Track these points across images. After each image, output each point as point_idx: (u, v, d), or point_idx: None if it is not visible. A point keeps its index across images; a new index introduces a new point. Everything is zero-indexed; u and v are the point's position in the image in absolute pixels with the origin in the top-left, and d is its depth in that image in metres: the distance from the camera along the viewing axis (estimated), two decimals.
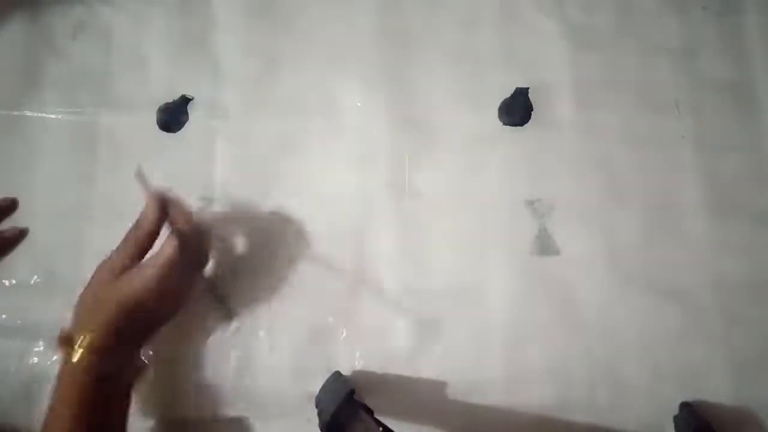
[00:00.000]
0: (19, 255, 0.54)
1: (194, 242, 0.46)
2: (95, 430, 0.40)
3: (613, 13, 0.59)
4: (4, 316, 0.52)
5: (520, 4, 0.60)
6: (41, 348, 0.51)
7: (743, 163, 0.55)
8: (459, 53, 0.58)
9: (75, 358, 0.40)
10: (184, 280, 0.46)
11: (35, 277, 0.53)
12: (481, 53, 0.58)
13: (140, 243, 0.44)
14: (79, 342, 0.40)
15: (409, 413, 0.49)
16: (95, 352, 0.40)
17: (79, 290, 0.52)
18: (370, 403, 0.44)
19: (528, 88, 0.57)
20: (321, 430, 0.44)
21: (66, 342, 0.41)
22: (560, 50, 0.58)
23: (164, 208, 0.44)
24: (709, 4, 0.59)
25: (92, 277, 0.44)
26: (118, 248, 0.44)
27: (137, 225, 0.44)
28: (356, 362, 0.51)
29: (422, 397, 0.50)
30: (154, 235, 0.44)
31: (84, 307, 0.43)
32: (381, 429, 0.42)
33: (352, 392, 0.45)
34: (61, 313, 0.51)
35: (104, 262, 0.44)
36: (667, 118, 0.56)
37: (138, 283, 0.42)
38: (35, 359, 0.51)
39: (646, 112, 0.56)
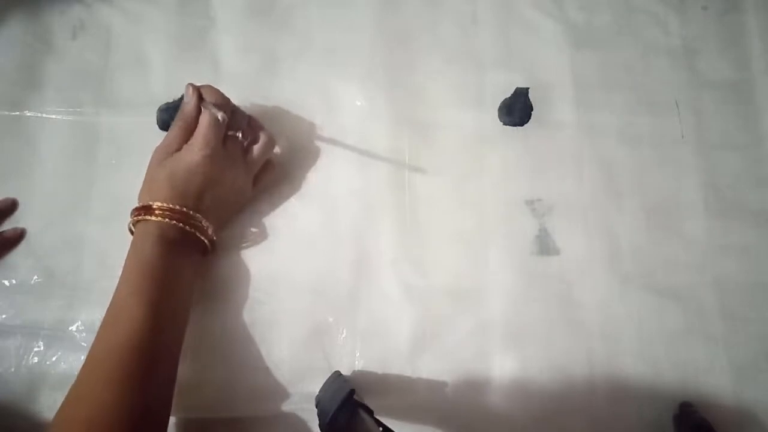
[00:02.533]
0: (19, 255, 0.54)
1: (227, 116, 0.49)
2: (163, 291, 0.44)
3: (613, 12, 0.59)
4: (4, 316, 0.52)
5: (520, 4, 0.60)
6: (41, 348, 0.51)
7: (743, 162, 0.55)
8: (459, 53, 0.59)
9: (154, 218, 0.45)
10: (230, 153, 0.49)
11: (35, 277, 0.53)
12: (481, 53, 0.59)
13: (185, 126, 0.48)
14: (156, 206, 0.45)
15: (409, 413, 0.49)
16: (168, 214, 0.45)
17: (79, 290, 0.53)
18: (370, 403, 0.44)
19: (528, 88, 0.57)
20: (321, 430, 0.44)
21: (144, 209, 0.46)
22: (560, 50, 0.58)
23: (200, 93, 0.49)
24: (709, 4, 0.59)
25: (150, 162, 0.48)
26: (167, 135, 0.49)
27: (180, 111, 0.49)
28: (356, 362, 0.51)
29: (422, 397, 0.50)
30: (196, 117, 0.48)
31: (145, 187, 0.48)
32: (381, 429, 0.42)
33: (352, 392, 0.45)
34: (61, 313, 0.52)
35: (158, 146, 0.49)
36: (666, 118, 0.56)
37: (184, 155, 0.47)
38: (35, 359, 0.51)
39: (646, 112, 0.57)
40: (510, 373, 0.50)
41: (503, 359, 0.51)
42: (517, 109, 0.56)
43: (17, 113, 0.57)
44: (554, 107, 0.57)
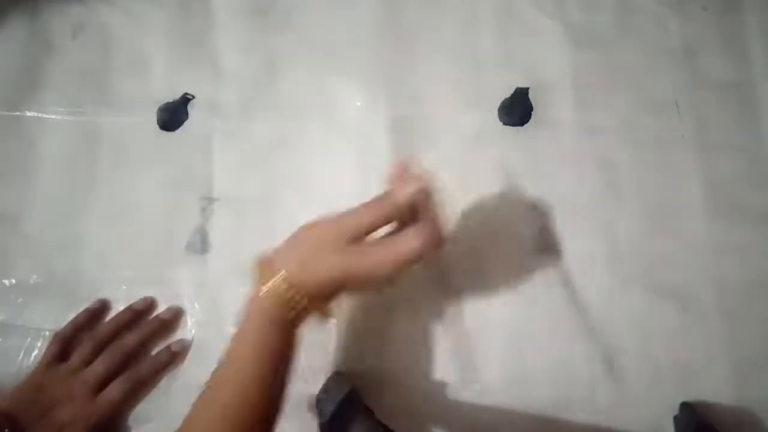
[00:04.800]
0: (19, 255, 0.54)
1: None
2: (272, 363, 0.39)
3: (613, 13, 0.59)
4: (4, 316, 0.52)
5: (520, 4, 0.60)
6: (41, 348, 0.51)
7: (743, 163, 0.55)
8: (459, 53, 0.58)
9: (268, 288, 0.39)
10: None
11: (35, 277, 0.53)
12: (481, 53, 0.58)
13: (388, 214, 0.40)
14: (281, 274, 0.39)
15: (409, 413, 0.49)
16: (294, 290, 0.38)
17: (79, 290, 0.53)
18: (370, 403, 0.44)
19: (528, 88, 0.57)
20: (321, 430, 0.44)
21: (267, 271, 0.39)
22: (560, 50, 0.58)
23: (425, 194, 0.40)
24: (709, 4, 0.59)
25: (329, 221, 0.40)
26: (363, 210, 0.40)
27: (390, 196, 0.40)
28: (356, 362, 0.51)
29: (422, 397, 0.50)
30: (403, 213, 0.40)
31: (304, 246, 0.40)
32: (381, 429, 0.42)
33: (352, 392, 0.45)
34: (61, 313, 0.52)
35: (347, 216, 0.40)
36: (667, 118, 0.56)
37: (372, 263, 0.38)
38: (35, 359, 0.51)
39: (646, 112, 0.56)
40: (510, 373, 0.50)
41: (503, 359, 0.51)
42: (517, 109, 0.56)
43: (17, 113, 0.57)
44: (554, 107, 0.57)
